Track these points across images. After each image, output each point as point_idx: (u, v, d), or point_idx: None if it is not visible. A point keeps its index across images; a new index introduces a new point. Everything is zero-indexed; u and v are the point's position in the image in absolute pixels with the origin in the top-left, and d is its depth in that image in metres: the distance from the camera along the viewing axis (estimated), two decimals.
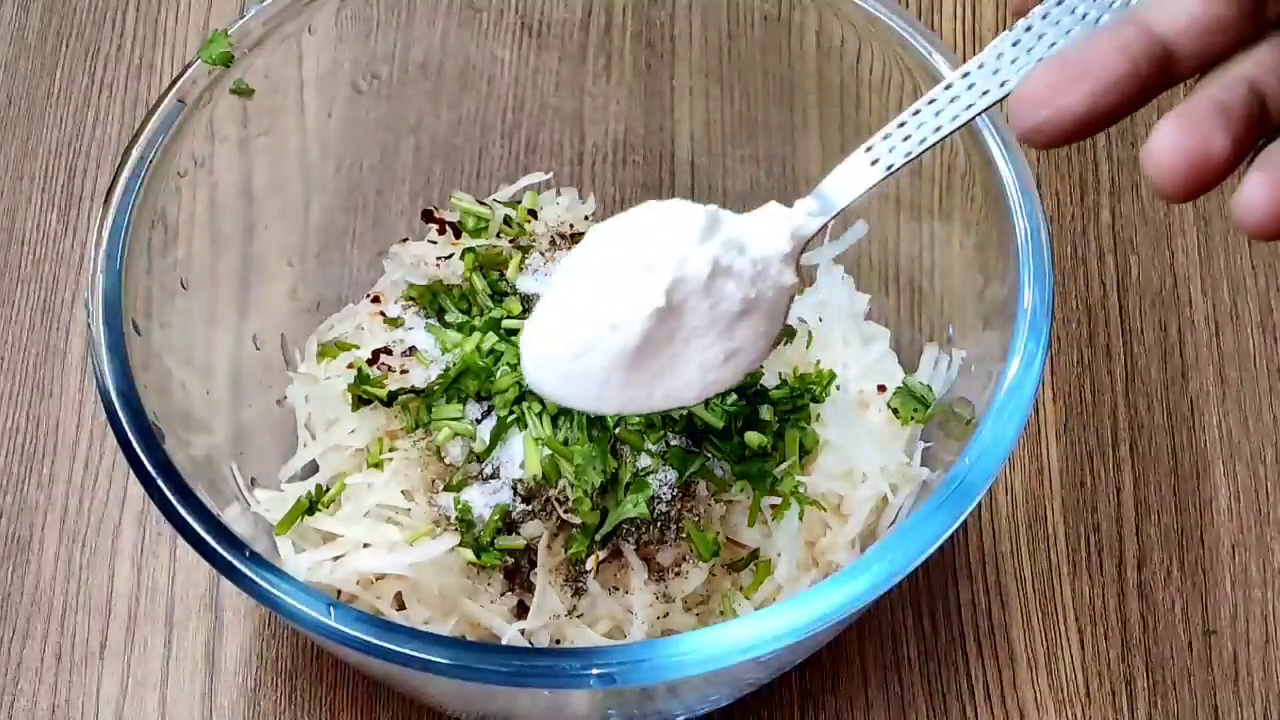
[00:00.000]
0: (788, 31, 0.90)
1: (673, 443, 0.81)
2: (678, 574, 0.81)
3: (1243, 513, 0.95)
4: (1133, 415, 0.98)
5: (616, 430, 0.80)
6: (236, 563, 0.69)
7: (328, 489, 0.84)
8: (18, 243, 1.03)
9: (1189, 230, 1.03)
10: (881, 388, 0.88)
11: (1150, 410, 0.98)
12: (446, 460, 0.83)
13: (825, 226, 0.68)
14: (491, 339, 0.85)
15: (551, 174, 0.96)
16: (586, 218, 0.92)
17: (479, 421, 0.83)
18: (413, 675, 0.70)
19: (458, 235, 0.91)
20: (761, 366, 0.79)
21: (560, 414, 0.81)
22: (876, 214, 0.92)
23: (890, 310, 0.92)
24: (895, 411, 0.87)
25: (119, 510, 0.95)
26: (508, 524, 0.81)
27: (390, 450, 0.84)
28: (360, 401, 0.85)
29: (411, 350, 0.87)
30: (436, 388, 0.84)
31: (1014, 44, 0.63)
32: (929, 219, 0.89)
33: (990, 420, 0.73)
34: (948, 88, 0.63)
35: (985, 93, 0.63)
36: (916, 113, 0.64)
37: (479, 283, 0.88)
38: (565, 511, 0.80)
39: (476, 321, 0.86)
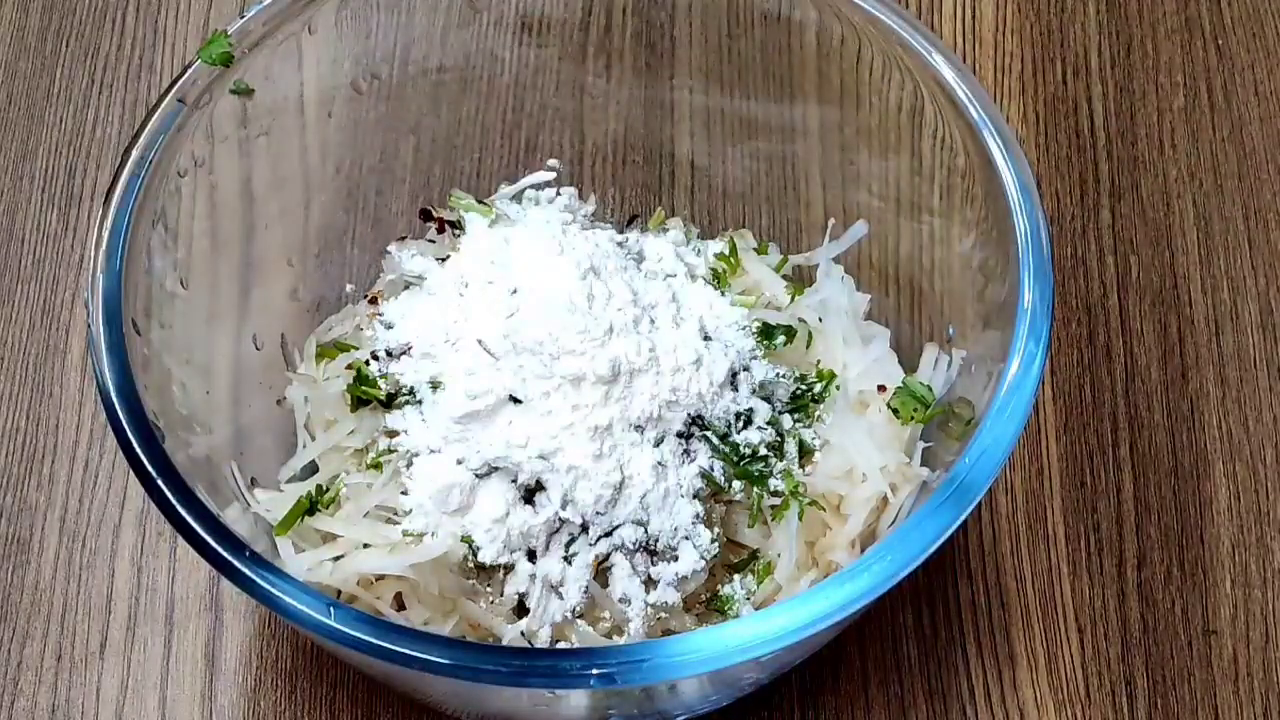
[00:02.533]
0: (787, 31, 0.90)
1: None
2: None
3: (1243, 513, 0.95)
4: (1133, 415, 0.98)
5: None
6: (236, 563, 0.69)
7: (327, 489, 0.84)
8: (18, 243, 1.03)
9: (1189, 230, 1.03)
10: (881, 388, 0.88)
11: (1150, 410, 0.98)
12: None
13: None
14: None
15: (556, 172, 0.96)
16: (587, 215, 0.92)
17: None
18: (413, 675, 0.70)
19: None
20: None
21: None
22: (877, 214, 0.92)
23: (890, 310, 0.92)
24: (895, 411, 0.87)
25: (119, 510, 0.95)
26: None
27: (389, 451, 0.84)
28: (359, 402, 0.85)
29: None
30: None
31: None
32: (929, 219, 0.89)
33: (990, 420, 0.73)
34: None
35: None
36: None
37: None
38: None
39: None
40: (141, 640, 0.91)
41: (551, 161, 0.96)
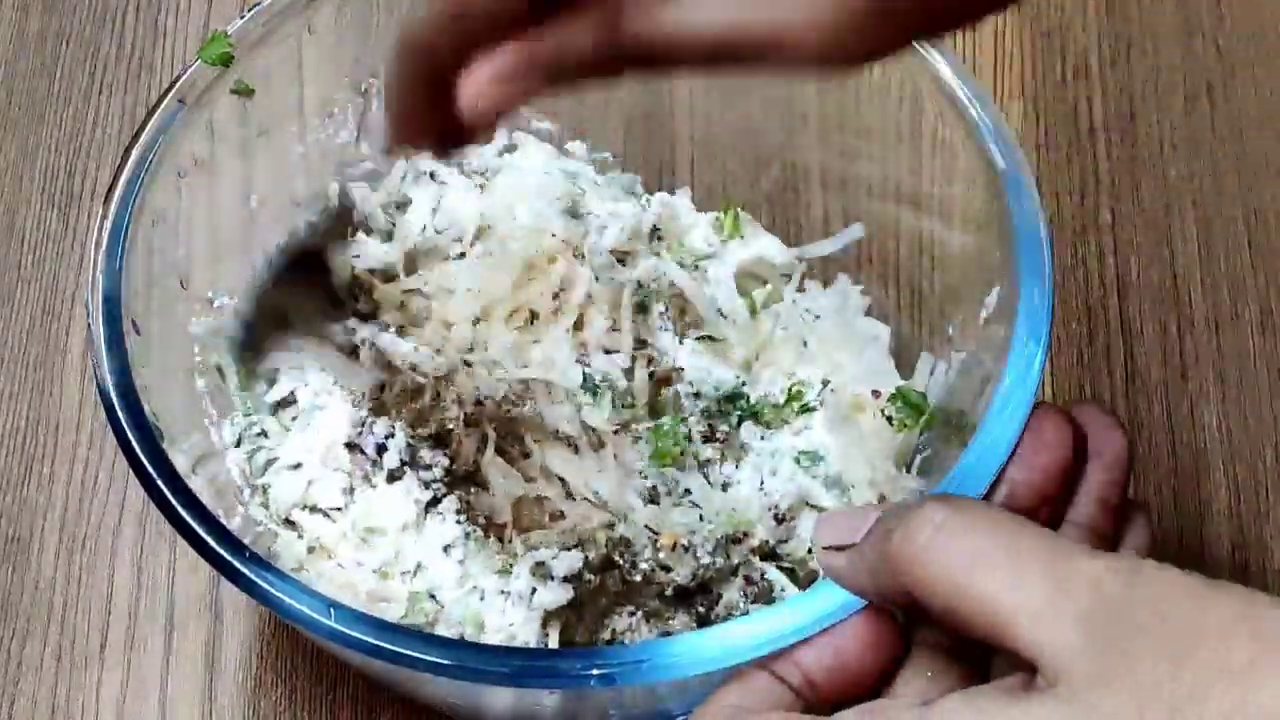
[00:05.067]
0: None
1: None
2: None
3: (1243, 513, 0.95)
4: (1133, 415, 0.98)
5: None
6: (237, 564, 0.69)
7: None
8: (18, 242, 1.03)
9: (1189, 230, 1.03)
10: (876, 393, 0.87)
11: (1150, 410, 0.98)
12: None
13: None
14: None
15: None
16: None
17: None
18: (413, 675, 0.69)
19: None
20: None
21: None
22: (877, 214, 0.91)
23: (890, 310, 0.92)
24: (889, 419, 0.86)
25: (119, 510, 0.95)
26: None
27: None
28: None
29: None
30: None
31: None
32: (929, 219, 0.89)
33: (990, 420, 0.73)
34: None
35: None
36: None
37: None
38: None
39: None
40: (141, 640, 0.91)
41: None
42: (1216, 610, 0.55)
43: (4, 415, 0.98)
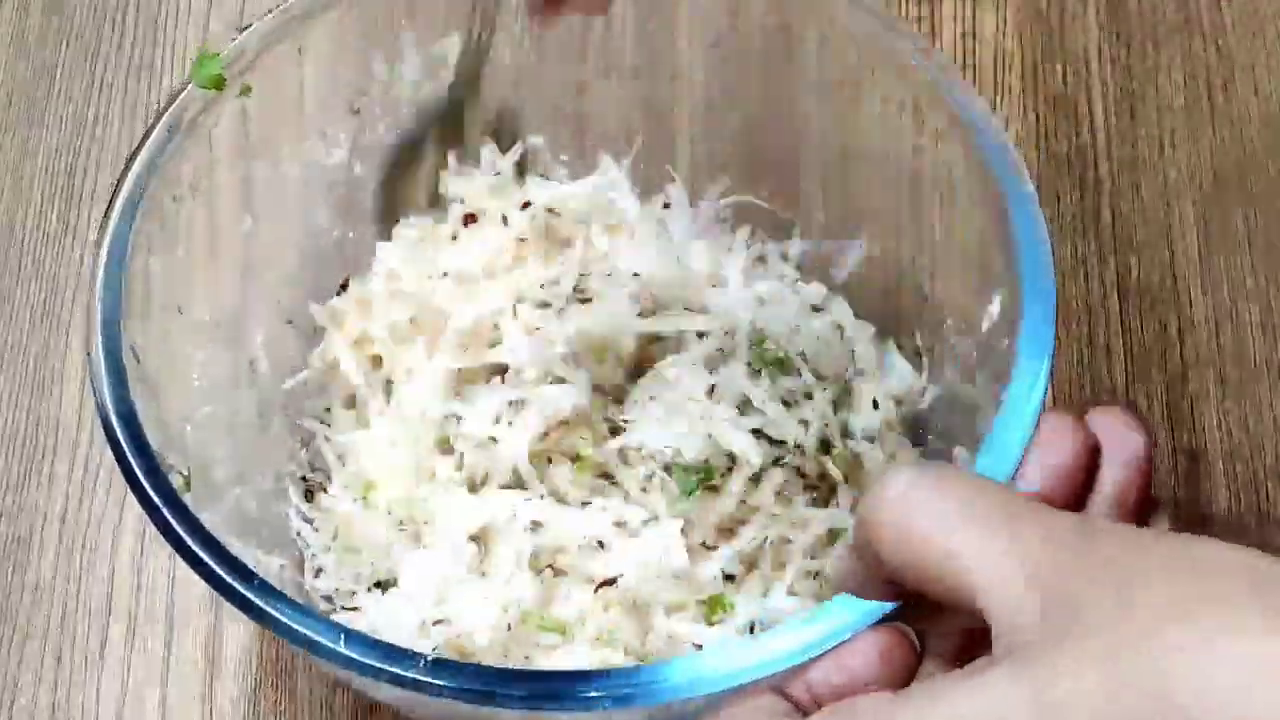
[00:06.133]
0: (788, 34, 0.90)
1: None
2: None
3: (1243, 513, 0.95)
4: None
5: None
6: (246, 592, 0.68)
7: None
8: (18, 243, 1.03)
9: (1189, 230, 1.03)
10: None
11: (1150, 410, 0.98)
12: None
13: None
14: None
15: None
16: None
17: None
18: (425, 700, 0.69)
19: None
20: None
21: None
22: (877, 216, 0.91)
23: (890, 311, 0.92)
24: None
25: (119, 510, 0.95)
26: None
27: None
28: None
29: None
30: None
31: None
32: (929, 220, 0.89)
33: (996, 434, 0.73)
34: None
35: None
36: None
37: None
38: None
39: None
40: (141, 640, 0.92)
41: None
42: (1156, 552, 0.54)
43: (4, 415, 0.98)
